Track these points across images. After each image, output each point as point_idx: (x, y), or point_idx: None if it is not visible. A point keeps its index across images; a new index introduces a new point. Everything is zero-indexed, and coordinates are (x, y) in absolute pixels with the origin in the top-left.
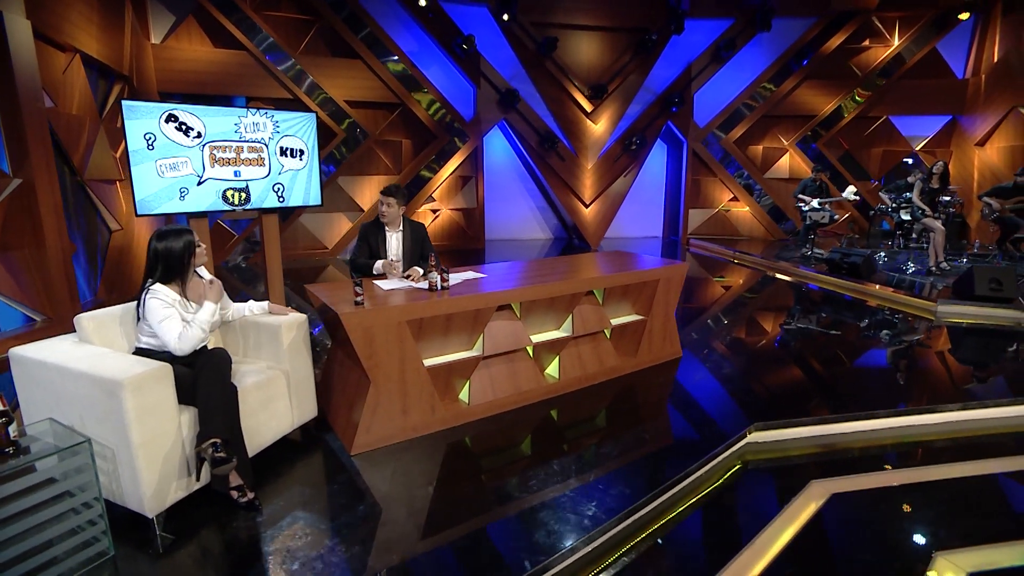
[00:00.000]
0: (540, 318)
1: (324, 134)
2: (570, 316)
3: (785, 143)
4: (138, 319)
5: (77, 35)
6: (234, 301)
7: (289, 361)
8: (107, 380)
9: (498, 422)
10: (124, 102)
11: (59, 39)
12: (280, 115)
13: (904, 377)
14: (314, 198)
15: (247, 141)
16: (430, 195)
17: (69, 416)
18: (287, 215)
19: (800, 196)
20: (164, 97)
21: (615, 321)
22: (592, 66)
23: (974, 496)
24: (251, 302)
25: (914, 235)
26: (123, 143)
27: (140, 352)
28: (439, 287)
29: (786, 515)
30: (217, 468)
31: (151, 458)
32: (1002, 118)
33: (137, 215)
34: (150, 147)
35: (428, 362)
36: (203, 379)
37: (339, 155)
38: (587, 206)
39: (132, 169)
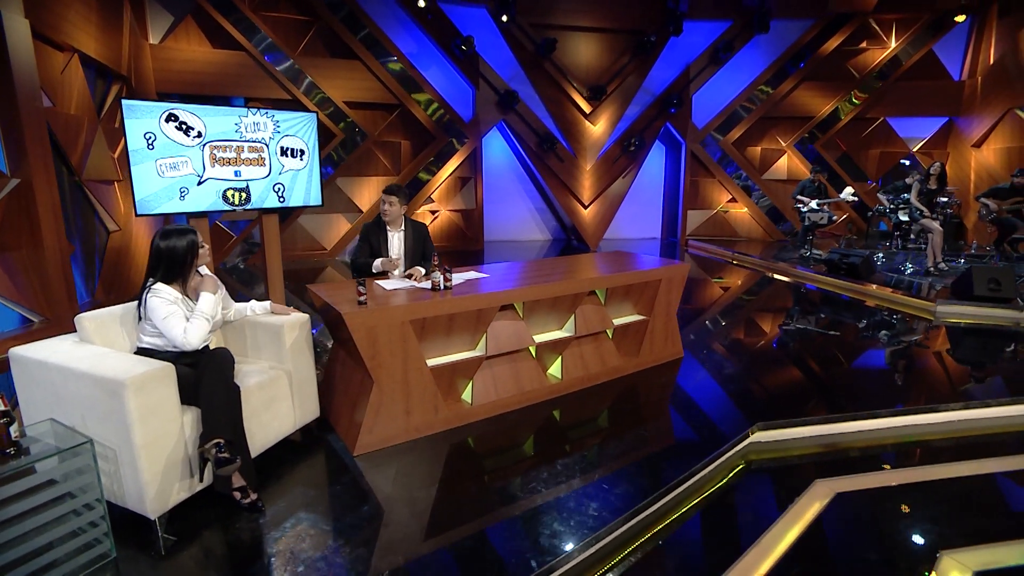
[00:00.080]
0: (543, 318)
1: (323, 135)
2: (572, 316)
3: (783, 144)
4: (139, 319)
5: (75, 35)
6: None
7: (291, 361)
8: (109, 380)
9: (501, 422)
10: (124, 101)
11: (57, 39)
12: (281, 115)
13: (904, 377)
14: (315, 198)
15: (248, 141)
16: (429, 196)
17: (70, 417)
18: (286, 216)
19: (798, 197)
20: (162, 97)
21: (617, 321)
22: (591, 67)
23: (978, 495)
24: (253, 302)
25: (912, 236)
26: (122, 143)
27: (142, 352)
28: (442, 287)
29: (791, 514)
30: (221, 469)
31: (153, 459)
32: (998, 120)
33: (137, 215)
34: (150, 147)
35: (431, 362)
36: (206, 379)
37: (337, 156)
38: (586, 207)
39: (132, 169)
